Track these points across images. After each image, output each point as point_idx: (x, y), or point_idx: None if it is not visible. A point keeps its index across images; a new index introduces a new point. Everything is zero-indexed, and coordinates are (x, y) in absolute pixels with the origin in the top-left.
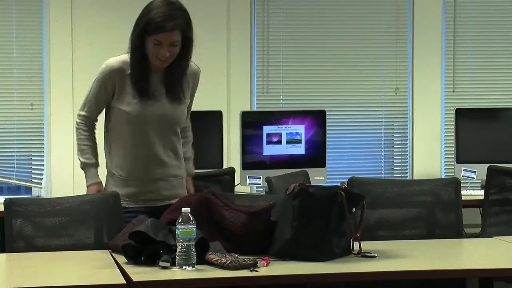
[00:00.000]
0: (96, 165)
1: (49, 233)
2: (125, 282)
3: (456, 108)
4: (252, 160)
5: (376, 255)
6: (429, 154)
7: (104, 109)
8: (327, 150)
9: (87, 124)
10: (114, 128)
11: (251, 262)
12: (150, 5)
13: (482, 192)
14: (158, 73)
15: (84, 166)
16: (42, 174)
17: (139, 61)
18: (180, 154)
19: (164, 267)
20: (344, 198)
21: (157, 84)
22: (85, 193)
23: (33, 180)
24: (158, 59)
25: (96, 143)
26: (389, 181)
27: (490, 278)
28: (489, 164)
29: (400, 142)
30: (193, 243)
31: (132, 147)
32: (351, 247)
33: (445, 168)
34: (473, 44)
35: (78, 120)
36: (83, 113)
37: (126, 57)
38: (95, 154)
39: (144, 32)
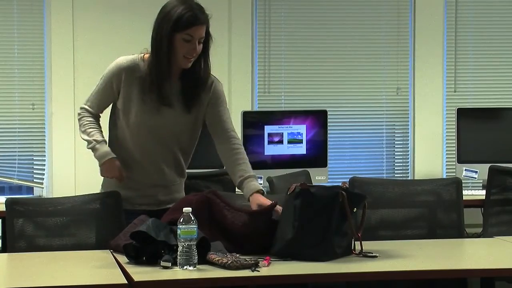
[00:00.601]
0: (106, 142)
1: (50, 233)
2: (127, 282)
3: (458, 108)
4: (253, 160)
5: (377, 255)
6: (430, 154)
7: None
8: (328, 150)
9: (90, 114)
10: (118, 131)
11: (253, 262)
12: (168, 5)
13: (484, 192)
14: (173, 79)
15: (95, 145)
16: (43, 174)
17: (167, 64)
18: (180, 161)
19: (165, 267)
20: (346, 198)
21: (170, 91)
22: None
23: (34, 180)
24: (186, 58)
25: (102, 130)
26: (391, 181)
27: (491, 278)
28: (490, 164)
29: (402, 142)
30: (195, 243)
31: (134, 152)
32: (353, 247)
33: (446, 168)
34: (475, 43)
35: (79, 111)
36: (85, 106)
37: (136, 58)
38: (103, 136)
39: (173, 29)
